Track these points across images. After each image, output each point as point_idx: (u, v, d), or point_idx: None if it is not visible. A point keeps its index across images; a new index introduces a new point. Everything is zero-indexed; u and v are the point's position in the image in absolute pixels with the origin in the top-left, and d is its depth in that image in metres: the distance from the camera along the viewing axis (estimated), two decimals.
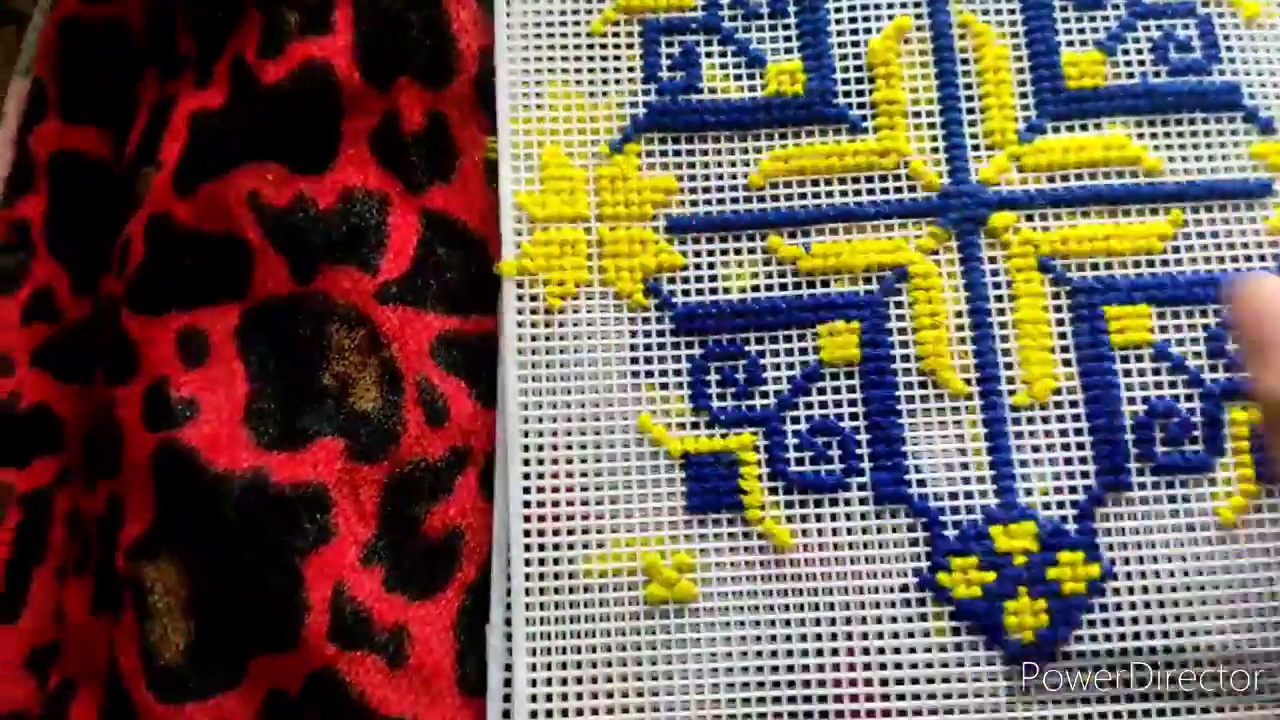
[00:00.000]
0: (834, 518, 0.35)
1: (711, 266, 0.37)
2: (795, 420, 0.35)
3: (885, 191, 0.37)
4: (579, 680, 0.34)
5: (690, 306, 0.36)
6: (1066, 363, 0.36)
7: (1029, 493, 0.35)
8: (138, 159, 0.40)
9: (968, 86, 0.38)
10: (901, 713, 0.33)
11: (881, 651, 0.34)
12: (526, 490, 0.35)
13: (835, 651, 0.34)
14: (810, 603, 0.34)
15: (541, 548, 0.35)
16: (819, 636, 0.34)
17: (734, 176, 0.37)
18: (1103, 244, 0.36)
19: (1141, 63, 0.38)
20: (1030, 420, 0.35)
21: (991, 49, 0.38)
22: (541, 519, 0.35)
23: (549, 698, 0.34)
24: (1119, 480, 0.35)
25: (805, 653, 0.34)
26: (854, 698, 0.33)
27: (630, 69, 0.38)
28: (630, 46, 0.39)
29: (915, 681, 0.33)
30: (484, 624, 0.35)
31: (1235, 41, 0.38)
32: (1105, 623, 0.34)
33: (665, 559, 0.34)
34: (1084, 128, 0.38)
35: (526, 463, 0.35)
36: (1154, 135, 0.37)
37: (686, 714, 0.33)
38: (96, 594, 0.38)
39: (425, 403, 0.36)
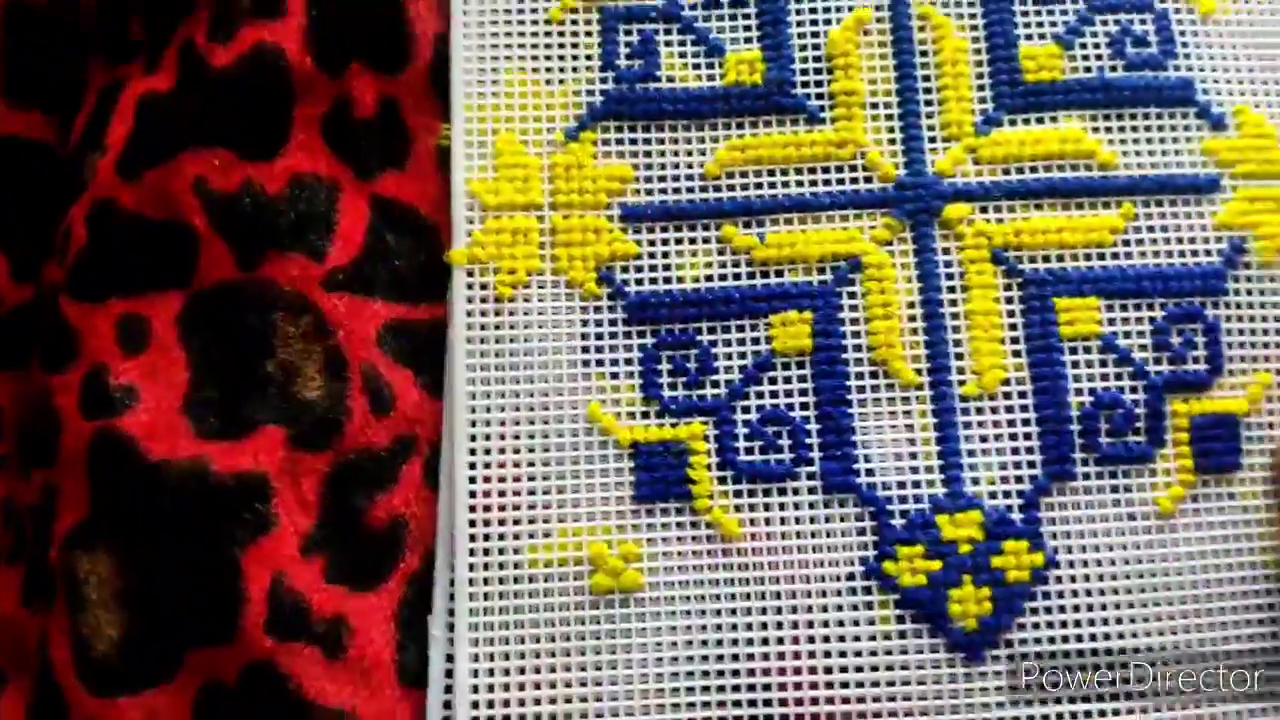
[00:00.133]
0: (783, 507, 0.34)
1: (665, 256, 0.37)
2: (746, 410, 0.35)
3: (841, 182, 0.37)
4: (522, 670, 0.33)
5: (643, 296, 0.36)
6: (1016, 354, 0.36)
7: (976, 482, 0.35)
8: (84, 144, 0.39)
9: (926, 78, 0.38)
10: (846, 700, 0.33)
11: (827, 640, 0.33)
12: (473, 480, 0.35)
13: (781, 640, 0.33)
14: (757, 592, 0.34)
15: (487, 537, 0.34)
16: (765, 625, 0.34)
17: (690, 166, 0.37)
18: (1055, 236, 0.36)
19: (1099, 57, 0.38)
20: (979, 410, 0.35)
21: (950, 41, 0.38)
22: (487, 508, 0.34)
23: (490, 688, 0.33)
24: (1064, 470, 0.35)
25: (751, 641, 0.33)
26: (799, 686, 0.33)
27: (588, 56, 0.38)
28: (589, 34, 0.38)
29: (860, 670, 0.33)
30: (426, 614, 0.34)
31: (1191, 37, 0.38)
32: (1048, 610, 0.34)
33: (612, 548, 0.34)
34: (1040, 121, 0.38)
35: (473, 452, 0.35)
36: (1109, 129, 0.37)
37: (630, 704, 0.33)
38: (28, 585, 0.37)
39: (371, 391, 0.36)
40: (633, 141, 0.37)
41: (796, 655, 0.33)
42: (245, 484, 0.35)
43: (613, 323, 0.36)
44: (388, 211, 0.38)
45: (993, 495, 0.35)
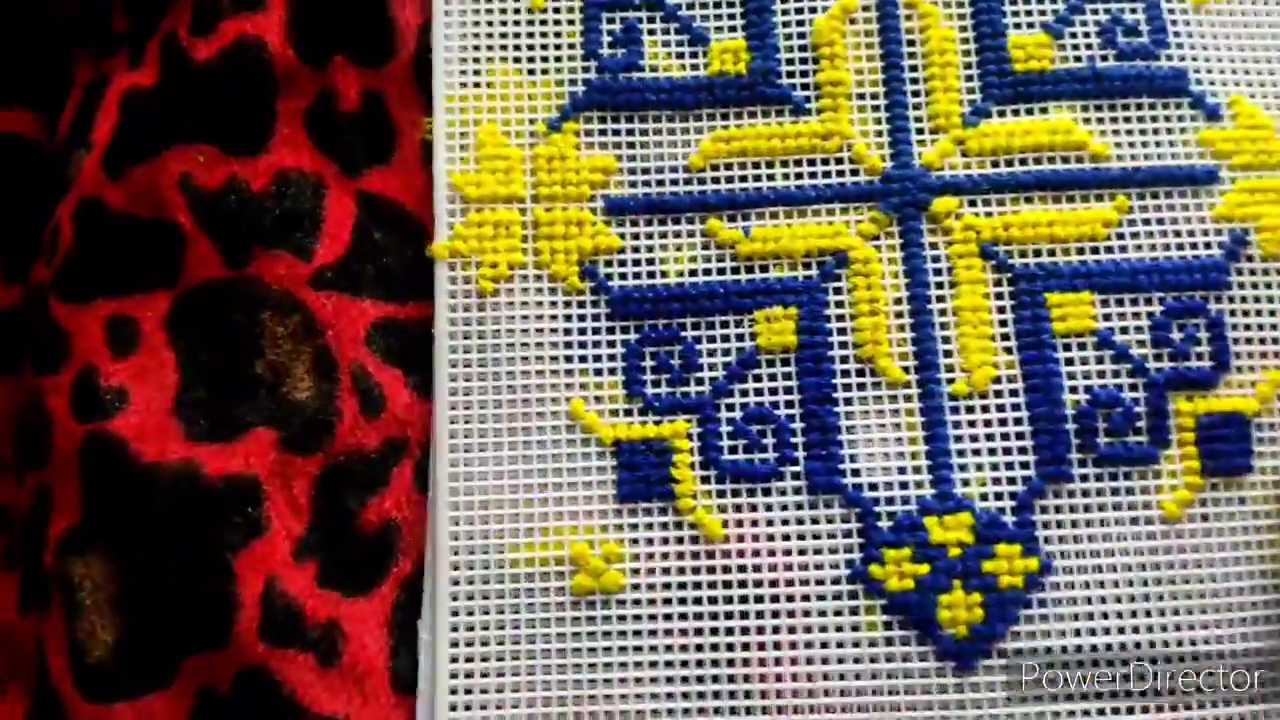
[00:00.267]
0: (767, 508, 0.34)
1: (649, 249, 0.36)
2: (730, 408, 0.35)
3: (827, 175, 0.37)
4: (501, 673, 0.33)
5: (626, 290, 0.36)
6: (1007, 351, 0.35)
7: (966, 483, 0.34)
8: (70, 141, 0.39)
9: (913, 68, 0.37)
10: (830, 709, 0.33)
11: (811, 645, 0.33)
12: (454, 478, 0.34)
13: (764, 645, 0.33)
14: (740, 594, 0.33)
15: (470, 536, 0.34)
16: (747, 630, 0.33)
17: (674, 157, 0.37)
18: (1046, 230, 0.36)
19: (1089, 46, 0.37)
20: (969, 409, 0.35)
21: (938, 30, 0.37)
22: (469, 507, 0.34)
23: (469, 690, 0.33)
24: (1059, 471, 0.34)
25: (733, 646, 0.33)
26: (781, 693, 0.33)
27: (571, 46, 0.38)
28: (571, 23, 0.38)
29: (843, 677, 0.33)
30: (418, 619, 0.34)
31: (1183, 26, 0.38)
32: (1044, 618, 0.33)
33: (594, 548, 0.34)
34: (1030, 111, 0.37)
35: (455, 450, 0.34)
36: (1100, 120, 0.37)
37: (611, 706, 0.33)
38: (24, 590, 0.37)
39: (361, 392, 0.36)
40: (615, 132, 0.37)
41: (779, 661, 0.33)
42: (236, 487, 0.35)
43: (596, 318, 0.35)
44: (374, 208, 0.37)
45: (984, 497, 0.34)
